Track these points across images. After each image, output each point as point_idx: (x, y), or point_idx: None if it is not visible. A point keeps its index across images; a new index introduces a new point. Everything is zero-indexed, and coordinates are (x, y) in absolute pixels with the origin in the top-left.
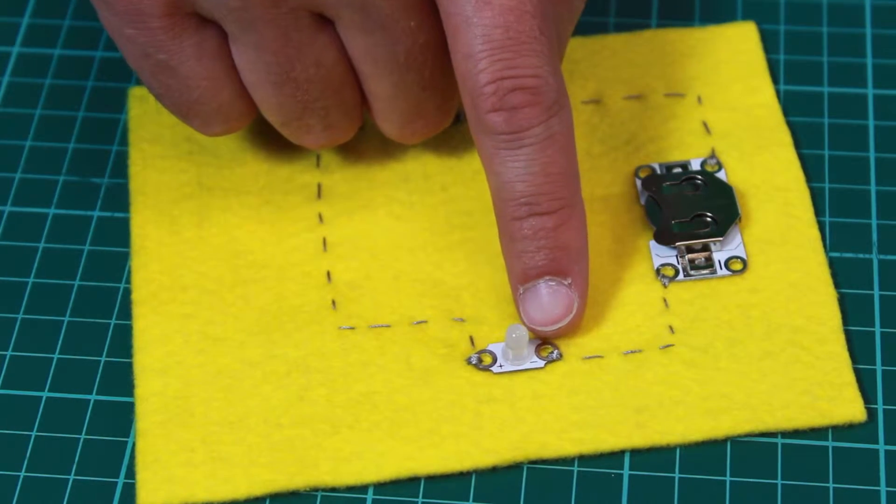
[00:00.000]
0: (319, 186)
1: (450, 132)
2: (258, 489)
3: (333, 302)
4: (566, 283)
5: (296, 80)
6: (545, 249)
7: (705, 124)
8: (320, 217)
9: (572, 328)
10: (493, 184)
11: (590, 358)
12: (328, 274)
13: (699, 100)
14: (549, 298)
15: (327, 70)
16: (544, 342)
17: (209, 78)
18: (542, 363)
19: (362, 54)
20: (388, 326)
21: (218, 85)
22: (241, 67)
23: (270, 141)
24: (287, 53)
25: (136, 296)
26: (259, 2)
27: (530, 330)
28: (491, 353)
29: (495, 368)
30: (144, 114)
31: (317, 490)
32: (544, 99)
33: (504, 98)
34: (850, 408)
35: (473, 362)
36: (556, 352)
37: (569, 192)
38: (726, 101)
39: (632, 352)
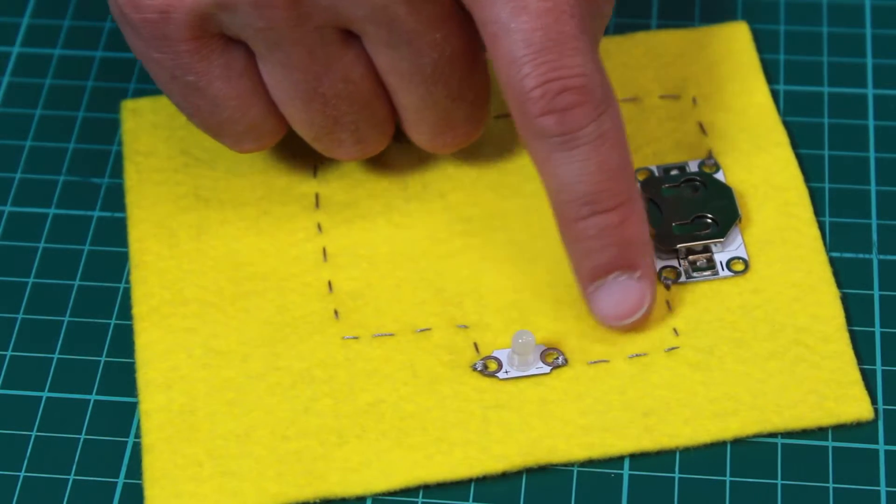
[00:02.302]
0: (317, 196)
1: None
2: (267, 502)
3: (336, 312)
4: (636, 276)
5: (324, 96)
6: (612, 246)
7: (701, 125)
8: (319, 227)
9: (645, 320)
10: (551, 187)
11: (595, 363)
12: (329, 284)
13: (694, 101)
14: (621, 294)
15: (355, 85)
16: (549, 348)
17: (238, 97)
18: (547, 369)
19: (389, 68)
20: (391, 335)
21: (247, 104)
22: (269, 85)
23: (267, 152)
24: (314, 70)
25: (137, 311)
26: (285, 21)
27: (605, 325)
28: (496, 359)
29: (501, 374)
30: (138, 127)
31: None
32: (593, 97)
33: (553, 100)
34: (858, 406)
35: (479, 369)
36: (561, 357)
37: (627, 186)
38: (722, 101)
39: (637, 355)
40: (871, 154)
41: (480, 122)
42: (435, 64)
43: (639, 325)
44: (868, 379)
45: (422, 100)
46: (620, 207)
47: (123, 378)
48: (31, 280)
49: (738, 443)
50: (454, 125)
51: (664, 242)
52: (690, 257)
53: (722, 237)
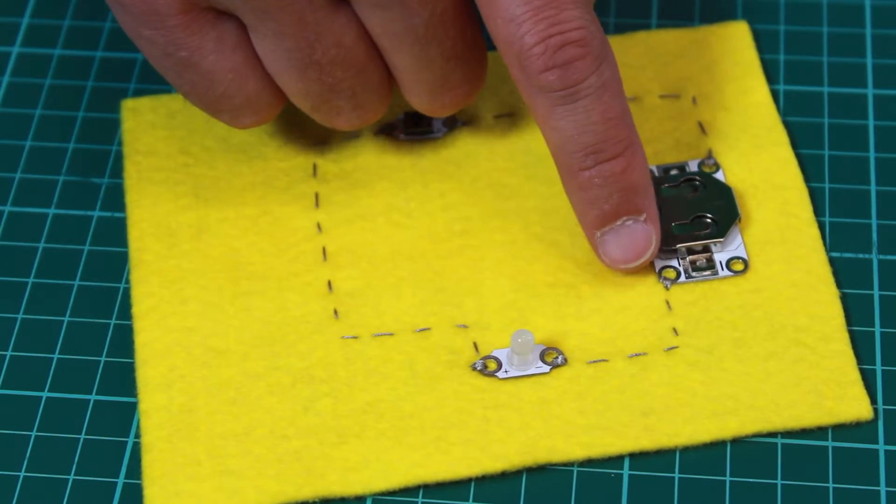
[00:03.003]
0: (317, 196)
1: (447, 138)
2: (266, 501)
3: (335, 311)
4: (641, 219)
5: (319, 64)
6: (618, 193)
7: (701, 125)
8: (319, 226)
9: (650, 261)
10: (554, 140)
11: (595, 362)
12: (329, 283)
13: (694, 100)
14: (629, 238)
15: (349, 50)
16: (549, 347)
17: (232, 70)
18: (547, 368)
19: (381, 30)
20: (391, 335)
21: (242, 77)
22: (263, 56)
23: (266, 151)
24: (306, 37)
25: (137, 310)
26: None
27: (614, 269)
28: (496, 358)
29: (501, 374)
30: (138, 126)
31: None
32: (592, 49)
33: (554, 55)
34: (857, 406)
35: (478, 368)
36: (560, 357)
37: (628, 133)
38: (721, 101)
39: (636, 355)
40: (871, 154)
41: (478, 81)
42: (427, 23)
43: (643, 267)
44: (868, 379)
45: (417, 60)
46: (625, 153)
47: (123, 378)
48: (31, 280)
49: (737, 443)
50: (452, 86)
51: (664, 242)
52: (690, 257)
53: (722, 237)
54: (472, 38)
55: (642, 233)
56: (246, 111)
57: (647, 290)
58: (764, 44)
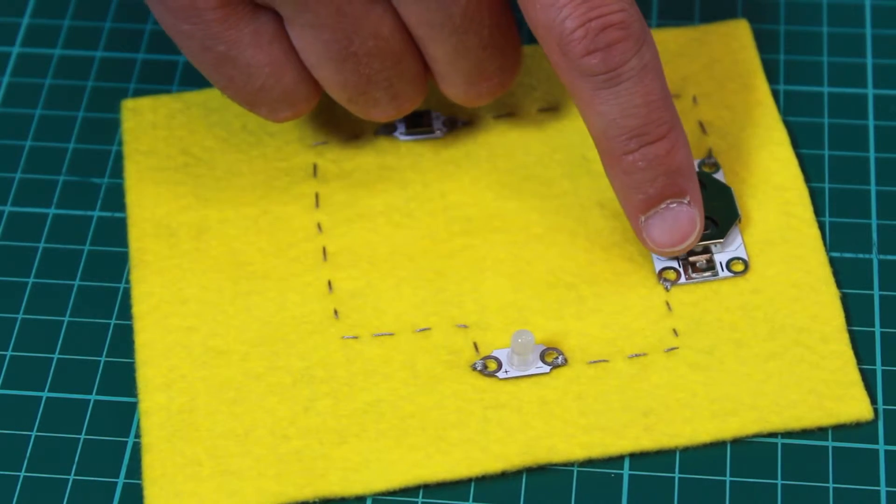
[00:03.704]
0: (317, 196)
1: (448, 138)
2: (267, 501)
3: (336, 311)
4: (685, 201)
5: (356, 55)
6: (662, 176)
7: (701, 124)
8: (319, 226)
9: (694, 244)
10: (597, 125)
11: (595, 362)
12: (329, 283)
13: (694, 100)
14: (673, 221)
15: (385, 41)
16: (549, 347)
17: (270, 64)
18: (547, 368)
19: (418, 21)
20: (391, 335)
21: (280, 70)
22: (300, 49)
23: (266, 151)
24: (343, 29)
25: (137, 310)
26: None
27: (658, 253)
28: (496, 358)
29: (501, 374)
30: (138, 126)
31: (325, 500)
32: (633, 31)
33: (596, 39)
34: (857, 406)
35: (479, 368)
36: (561, 357)
37: (671, 115)
38: (722, 100)
39: (636, 355)
40: (871, 154)
41: (514, 69)
42: (464, 12)
43: (687, 250)
44: (868, 379)
45: (453, 50)
46: (668, 136)
47: (123, 378)
48: (31, 280)
49: (738, 443)
50: (488, 75)
51: None
52: (690, 258)
53: (722, 237)
54: (507, 27)
55: (687, 215)
56: (283, 104)
57: (648, 290)
58: (764, 44)
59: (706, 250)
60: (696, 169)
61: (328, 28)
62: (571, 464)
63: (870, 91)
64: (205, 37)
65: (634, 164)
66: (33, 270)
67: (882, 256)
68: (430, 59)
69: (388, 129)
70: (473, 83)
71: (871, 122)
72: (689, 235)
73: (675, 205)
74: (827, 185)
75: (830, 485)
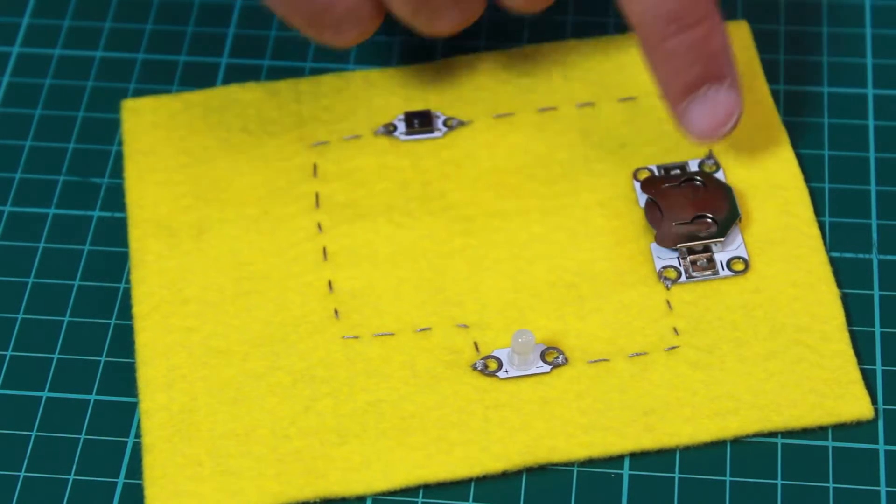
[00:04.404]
0: (317, 196)
1: (447, 138)
2: (267, 501)
3: (336, 311)
4: (725, 85)
5: None
6: (701, 60)
7: None
8: (319, 226)
9: (734, 129)
10: (636, 12)
11: (595, 362)
12: (329, 283)
13: None
14: (713, 105)
15: None
16: (549, 347)
17: None
18: (547, 368)
19: None
20: (391, 335)
21: None
22: None
23: (266, 151)
24: None
25: (138, 310)
26: None
27: (701, 141)
28: (496, 358)
29: (501, 374)
30: (138, 126)
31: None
32: None
33: None
34: (858, 405)
35: (479, 368)
36: (561, 356)
37: (707, 0)
38: None
39: (637, 354)
40: (871, 154)
41: None
42: None
43: (729, 134)
44: (868, 379)
45: None
46: (705, 21)
47: (123, 378)
48: (31, 280)
49: (738, 443)
50: None
51: (665, 242)
52: (691, 257)
53: (722, 237)
54: None
55: (727, 98)
56: (348, 24)
57: (648, 289)
58: (764, 44)
59: (707, 249)
60: (697, 167)
61: None
62: (572, 463)
63: (870, 91)
64: None
65: (674, 50)
66: (33, 270)
67: (882, 256)
68: None
69: (388, 129)
70: None
71: (871, 122)
72: (730, 119)
73: (714, 89)
74: (827, 185)
75: (830, 485)
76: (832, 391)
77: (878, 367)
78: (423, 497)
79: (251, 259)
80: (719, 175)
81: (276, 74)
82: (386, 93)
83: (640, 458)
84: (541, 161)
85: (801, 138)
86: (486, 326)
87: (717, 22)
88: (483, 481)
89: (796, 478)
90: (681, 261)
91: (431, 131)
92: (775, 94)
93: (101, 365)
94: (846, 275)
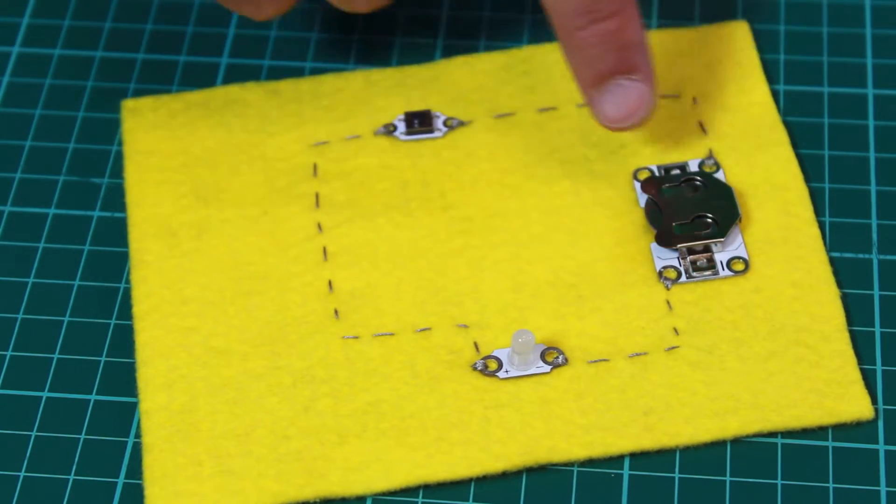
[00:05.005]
0: (317, 196)
1: (447, 138)
2: (267, 501)
3: (336, 311)
4: (635, 77)
5: None
6: (612, 51)
7: (701, 125)
8: (319, 226)
9: (647, 120)
10: (551, 2)
11: (595, 362)
12: (329, 283)
13: (694, 100)
14: (622, 96)
15: None
16: (549, 347)
17: None
18: (547, 368)
19: None
20: (391, 335)
21: None
22: None
23: (266, 151)
24: None
25: (138, 310)
26: None
27: (609, 128)
28: (496, 358)
29: (501, 374)
30: (138, 126)
31: (326, 500)
32: None
33: None
34: (858, 405)
35: (479, 368)
36: (561, 356)
37: None
38: (722, 100)
39: (637, 354)
40: (871, 154)
41: None
42: None
43: (639, 126)
44: (868, 379)
45: None
46: (619, 14)
47: (123, 378)
48: (31, 280)
49: (738, 443)
50: None
51: (664, 242)
52: (691, 257)
53: (722, 237)
54: None
55: (636, 91)
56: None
57: (648, 289)
58: (764, 44)
59: (707, 249)
60: (697, 167)
61: None
62: (572, 464)
63: (870, 91)
64: None
65: (586, 40)
66: (33, 270)
67: (882, 256)
68: None
69: (388, 129)
70: None
71: (871, 122)
72: (637, 111)
73: (624, 80)
74: (827, 185)
75: (830, 485)
76: (832, 391)
77: (878, 367)
78: (423, 497)
79: (251, 259)
80: (719, 175)
81: (276, 74)
82: (386, 93)
83: (640, 458)
84: (541, 161)
85: (801, 138)
86: (486, 326)
87: (632, 15)
88: (483, 481)
89: (796, 478)
90: (681, 261)
91: (431, 131)
92: (775, 94)
93: (101, 365)
94: (846, 275)
